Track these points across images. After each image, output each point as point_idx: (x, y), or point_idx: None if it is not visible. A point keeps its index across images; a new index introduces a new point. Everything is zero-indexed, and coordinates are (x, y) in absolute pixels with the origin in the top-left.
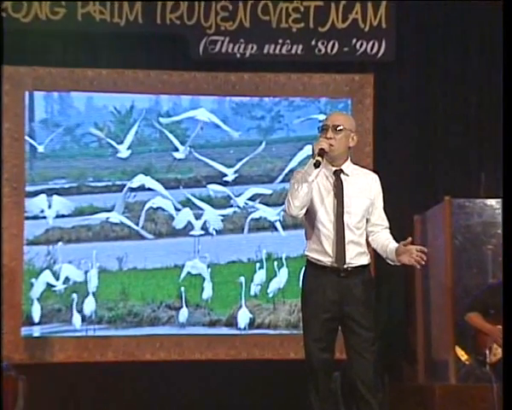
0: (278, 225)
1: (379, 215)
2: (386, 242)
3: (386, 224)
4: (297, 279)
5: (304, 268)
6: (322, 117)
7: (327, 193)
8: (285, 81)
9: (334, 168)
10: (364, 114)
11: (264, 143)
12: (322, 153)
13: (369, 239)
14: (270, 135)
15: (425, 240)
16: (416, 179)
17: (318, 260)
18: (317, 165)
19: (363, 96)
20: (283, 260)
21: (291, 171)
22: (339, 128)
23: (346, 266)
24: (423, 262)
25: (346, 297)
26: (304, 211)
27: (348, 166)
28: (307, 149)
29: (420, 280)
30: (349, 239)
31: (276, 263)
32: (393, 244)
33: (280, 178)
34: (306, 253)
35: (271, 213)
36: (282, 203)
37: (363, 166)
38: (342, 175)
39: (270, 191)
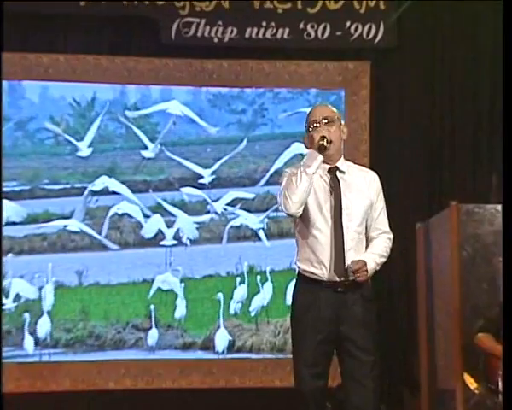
0: (262, 233)
1: (379, 218)
2: (373, 246)
3: (387, 228)
4: (283, 296)
5: (295, 282)
6: None
7: (322, 193)
8: (269, 70)
9: (328, 166)
10: (360, 107)
11: (245, 141)
12: (324, 139)
13: (368, 248)
14: (253, 131)
15: (428, 251)
16: (419, 182)
17: (312, 273)
18: (321, 149)
19: (359, 86)
20: (267, 274)
21: (276, 172)
22: (330, 120)
23: (343, 279)
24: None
25: (343, 315)
26: (301, 209)
27: (343, 163)
28: (295, 148)
29: (423, 298)
30: (349, 246)
31: (259, 277)
32: (375, 247)
33: (264, 180)
34: (298, 264)
35: (254, 221)
36: (267, 209)
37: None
38: (338, 173)
39: (252, 195)
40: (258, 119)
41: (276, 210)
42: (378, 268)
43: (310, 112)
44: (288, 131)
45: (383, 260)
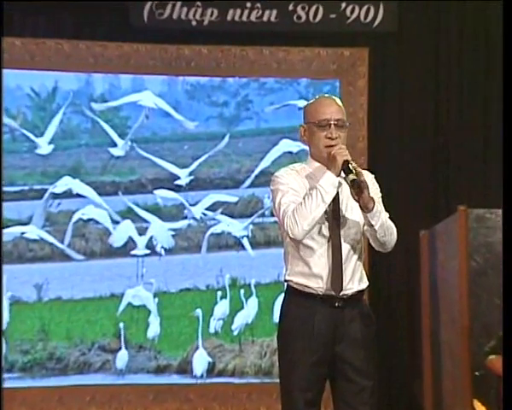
0: (246, 242)
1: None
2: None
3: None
4: (270, 312)
5: (284, 296)
6: (302, 103)
7: (328, 198)
8: (255, 57)
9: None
10: (357, 99)
11: (227, 137)
12: (348, 166)
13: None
14: (236, 126)
15: (434, 262)
16: (422, 184)
17: (306, 287)
18: (355, 185)
19: (355, 76)
20: (252, 288)
21: (262, 172)
22: (342, 125)
23: (341, 294)
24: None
25: (339, 334)
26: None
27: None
28: (284, 145)
29: (427, 314)
30: (346, 257)
31: (242, 291)
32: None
33: (248, 181)
34: (288, 277)
35: (237, 227)
36: (252, 214)
37: None
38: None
39: (235, 199)
40: (242, 112)
41: (263, 215)
42: (383, 224)
43: (319, 103)
44: (276, 126)
45: (389, 223)
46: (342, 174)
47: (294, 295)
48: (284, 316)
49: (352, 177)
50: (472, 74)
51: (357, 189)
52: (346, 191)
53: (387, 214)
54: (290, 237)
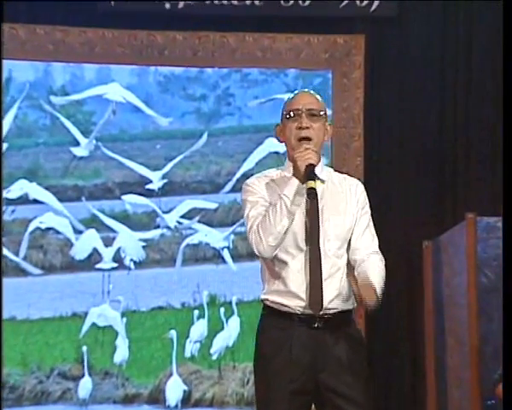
0: (226, 254)
1: (364, 236)
2: (369, 268)
3: (376, 248)
4: (253, 334)
5: (260, 318)
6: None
7: (294, 208)
8: (236, 44)
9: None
10: (352, 93)
11: (205, 135)
12: (312, 171)
13: (356, 273)
14: (215, 123)
15: (438, 276)
16: (426, 190)
17: (282, 306)
18: (311, 196)
19: (350, 66)
20: (233, 306)
21: (245, 176)
22: (315, 114)
23: (322, 314)
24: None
25: (322, 359)
26: (277, 250)
27: (322, 169)
28: (269, 144)
29: (431, 337)
30: (327, 274)
31: (222, 310)
32: (372, 270)
33: (229, 185)
34: (264, 296)
35: (216, 238)
36: (233, 223)
37: (347, 171)
38: (318, 183)
39: (214, 205)
40: (223, 107)
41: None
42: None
43: (291, 97)
44: (261, 122)
45: (382, 273)
46: (321, 177)
47: (270, 315)
48: (259, 339)
49: (310, 184)
50: (483, 66)
51: (313, 198)
52: (327, 198)
53: (376, 241)
54: (256, 254)
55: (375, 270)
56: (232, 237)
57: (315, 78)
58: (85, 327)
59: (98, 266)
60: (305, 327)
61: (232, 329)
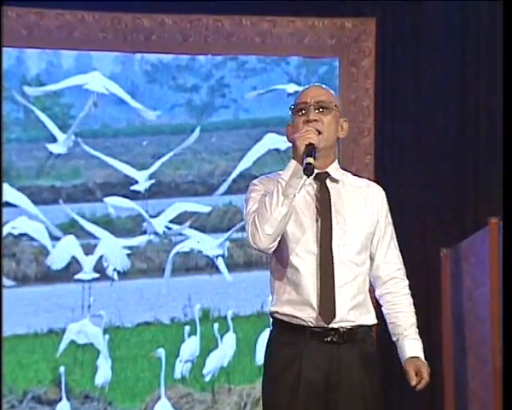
0: (221, 263)
1: (390, 250)
2: (401, 321)
3: (401, 264)
4: (251, 352)
5: (269, 333)
6: (291, 88)
7: (305, 208)
8: (232, 29)
9: (315, 170)
10: (361, 83)
11: (197, 130)
12: (311, 150)
13: (376, 293)
14: (209, 117)
15: (458, 288)
16: (444, 192)
17: (293, 317)
18: (309, 171)
19: (360, 54)
20: (229, 322)
21: (242, 176)
22: (325, 106)
23: (337, 326)
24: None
25: (333, 377)
26: (277, 243)
27: (337, 169)
28: (269, 141)
29: (450, 356)
30: (343, 281)
31: (216, 326)
32: (410, 337)
33: (224, 187)
34: (273, 308)
35: (210, 245)
36: (229, 228)
37: (355, 171)
38: (329, 181)
39: (207, 208)
40: (217, 99)
41: (242, 230)
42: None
43: (300, 92)
44: (259, 116)
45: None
46: (333, 184)
47: (280, 330)
48: (267, 357)
49: (308, 160)
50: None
51: (309, 175)
52: (342, 199)
53: (400, 257)
54: (253, 247)
55: (412, 321)
56: (227, 244)
57: (320, 66)
58: (63, 345)
59: (77, 276)
60: (317, 341)
61: (227, 347)
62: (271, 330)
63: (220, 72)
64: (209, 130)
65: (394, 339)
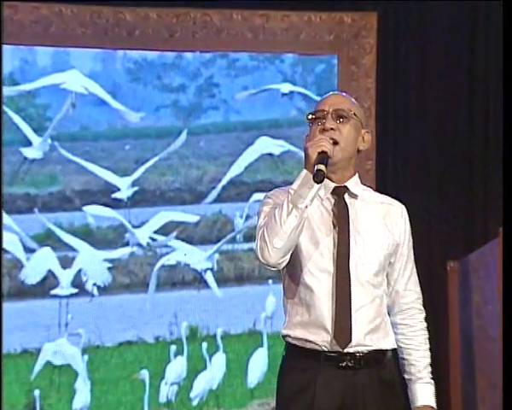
0: (210, 277)
1: (412, 275)
2: (414, 360)
3: (420, 293)
4: (242, 374)
5: (281, 359)
6: (286, 88)
7: (321, 225)
8: (222, 24)
9: (332, 184)
10: (361, 82)
11: (184, 134)
12: (324, 158)
13: (391, 319)
14: (196, 119)
15: (466, 304)
16: (452, 199)
17: (306, 341)
18: (319, 178)
19: (360, 51)
20: (218, 341)
21: (232, 183)
22: (343, 115)
23: (352, 351)
24: None
25: (350, 404)
26: (288, 258)
27: (357, 184)
28: (262, 144)
29: (458, 378)
30: (360, 303)
31: (205, 345)
32: (423, 381)
33: (213, 194)
34: (286, 331)
35: (198, 257)
36: (218, 239)
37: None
38: (347, 197)
39: (195, 218)
40: (205, 100)
41: (233, 241)
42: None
43: (319, 100)
44: (251, 118)
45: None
46: (352, 199)
47: (292, 355)
48: (279, 385)
49: (320, 166)
50: None
51: (319, 182)
52: (360, 216)
53: (418, 285)
54: (262, 262)
55: (426, 362)
56: (217, 256)
57: (317, 64)
58: (38, 366)
59: (54, 292)
60: (331, 367)
61: (216, 368)
62: (283, 355)
63: (209, 70)
64: (197, 133)
65: (406, 377)
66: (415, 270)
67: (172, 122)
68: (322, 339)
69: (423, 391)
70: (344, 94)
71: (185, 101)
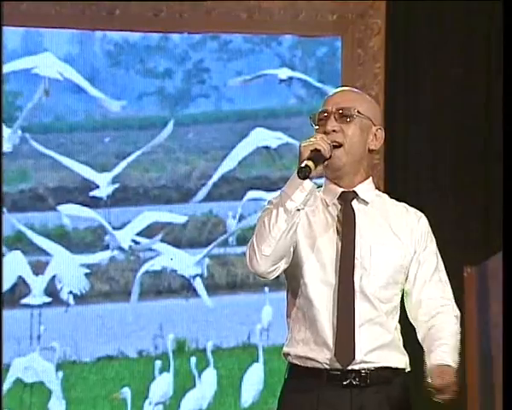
0: (199, 284)
1: (434, 283)
2: (440, 336)
3: (449, 300)
4: (235, 392)
5: (284, 379)
6: (284, 73)
7: (325, 232)
8: (213, 2)
9: (340, 189)
10: (368, 67)
11: (171, 124)
12: (316, 156)
13: (419, 337)
14: (184, 107)
15: (485, 314)
16: (469, 200)
17: (307, 359)
18: (302, 174)
19: (366, 32)
20: (209, 355)
21: (225, 179)
22: (347, 114)
23: (357, 368)
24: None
25: None
26: (280, 267)
27: (368, 189)
28: (257, 136)
29: (475, 395)
30: (364, 318)
31: (194, 360)
32: (445, 338)
33: (203, 192)
34: (287, 349)
35: (186, 262)
36: (209, 242)
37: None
38: (356, 203)
39: (183, 218)
40: (194, 86)
41: (225, 244)
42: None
43: (325, 98)
44: (246, 107)
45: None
46: (360, 205)
47: (293, 375)
48: (279, 408)
49: (307, 162)
50: None
51: (303, 178)
52: (369, 223)
53: (449, 289)
54: (251, 271)
55: (448, 338)
56: (207, 261)
57: (318, 47)
58: (7, 384)
59: (25, 300)
60: (335, 386)
61: (207, 386)
62: (285, 376)
63: (198, 54)
64: (185, 124)
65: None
66: (437, 277)
67: (157, 112)
68: (323, 356)
69: (443, 352)
70: (351, 89)
71: (172, 88)
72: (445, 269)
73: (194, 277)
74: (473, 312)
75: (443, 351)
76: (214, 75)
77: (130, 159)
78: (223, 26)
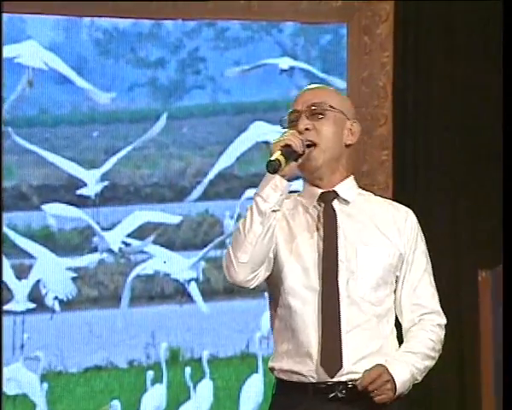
0: (194, 289)
1: (419, 287)
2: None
3: (436, 305)
4: (233, 404)
5: (272, 394)
6: (285, 63)
7: (305, 237)
8: None
9: (319, 190)
10: (375, 56)
11: (164, 118)
12: (287, 152)
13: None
14: (179, 99)
15: (498, 319)
16: (483, 199)
17: (292, 373)
18: (271, 167)
19: (374, 18)
20: (204, 365)
21: (222, 176)
22: (318, 111)
23: (345, 379)
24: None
25: None
26: (260, 274)
27: (349, 188)
28: (256, 130)
29: (492, 406)
30: (351, 324)
31: (188, 371)
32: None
33: (198, 190)
34: (271, 363)
35: (180, 266)
36: (204, 245)
37: (366, 170)
38: (337, 203)
39: (177, 219)
40: (189, 77)
41: (222, 246)
42: (420, 379)
43: (295, 98)
44: (244, 99)
45: (429, 363)
46: (342, 206)
47: (280, 390)
48: None
49: (276, 155)
50: None
51: (272, 172)
52: (353, 224)
53: (436, 297)
54: (229, 281)
55: (418, 342)
56: (203, 264)
57: (322, 35)
58: None
59: (7, 307)
60: (321, 400)
61: (202, 398)
62: (273, 394)
63: (193, 42)
64: (179, 117)
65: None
66: (426, 284)
67: (149, 104)
68: (308, 368)
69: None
70: (321, 85)
71: (165, 78)
72: (459, 273)
73: (189, 281)
74: (488, 317)
75: (395, 357)
76: (210, 65)
77: (120, 155)
78: (219, 13)
